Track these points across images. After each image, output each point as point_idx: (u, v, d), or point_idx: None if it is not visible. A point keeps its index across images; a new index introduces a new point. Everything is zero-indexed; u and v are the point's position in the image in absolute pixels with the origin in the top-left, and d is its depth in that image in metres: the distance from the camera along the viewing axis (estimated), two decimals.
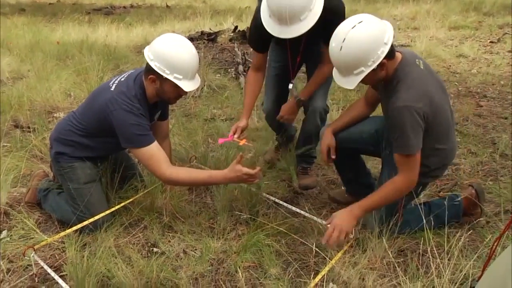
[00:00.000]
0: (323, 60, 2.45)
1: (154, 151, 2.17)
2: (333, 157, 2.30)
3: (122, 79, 2.25)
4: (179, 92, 2.20)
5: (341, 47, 1.82)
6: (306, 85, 2.61)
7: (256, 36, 2.51)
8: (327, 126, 2.41)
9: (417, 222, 2.18)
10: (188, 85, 2.16)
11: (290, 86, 2.60)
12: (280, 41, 2.35)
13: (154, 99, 2.27)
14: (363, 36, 1.81)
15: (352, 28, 1.81)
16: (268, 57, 2.67)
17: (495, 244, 1.13)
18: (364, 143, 2.34)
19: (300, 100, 2.57)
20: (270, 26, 2.20)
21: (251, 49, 2.68)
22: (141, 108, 2.16)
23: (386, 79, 1.98)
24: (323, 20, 2.13)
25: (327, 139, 2.31)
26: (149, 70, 2.15)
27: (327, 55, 2.00)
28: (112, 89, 2.18)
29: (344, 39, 1.81)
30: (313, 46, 2.49)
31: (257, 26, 2.36)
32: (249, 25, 2.81)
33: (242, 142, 2.50)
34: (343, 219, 1.99)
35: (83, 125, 2.30)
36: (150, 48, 2.15)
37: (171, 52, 2.11)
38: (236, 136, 2.49)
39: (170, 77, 2.10)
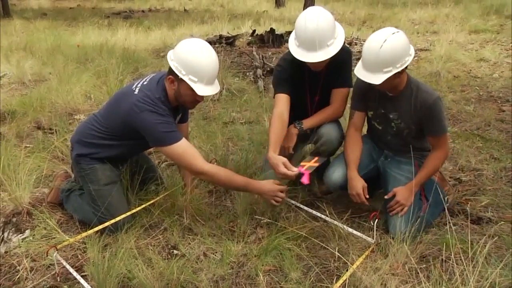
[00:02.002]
0: (333, 101, 2.61)
1: (185, 147, 2.21)
2: (367, 196, 2.38)
3: (145, 82, 2.27)
4: (195, 97, 2.21)
5: (382, 45, 2.12)
6: (312, 117, 2.61)
7: (285, 75, 2.59)
8: (348, 170, 2.44)
9: (432, 215, 2.43)
10: (203, 89, 2.17)
11: (297, 123, 2.57)
12: (299, 81, 2.56)
13: (175, 103, 2.29)
14: (399, 42, 2.15)
15: (392, 34, 2.15)
16: None
17: None
18: (372, 166, 2.60)
19: (302, 129, 2.56)
20: (299, 54, 2.37)
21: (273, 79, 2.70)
22: (166, 109, 2.20)
23: (400, 88, 2.32)
24: (337, 60, 2.43)
25: (359, 182, 2.38)
26: (169, 70, 2.19)
27: (339, 95, 2.55)
28: (135, 92, 2.21)
29: (385, 40, 2.12)
30: (328, 86, 2.60)
31: (285, 65, 2.59)
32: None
33: (315, 162, 2.43)
34: (404, 195, 2.30)
35: (106, 128, 2.32)
36: (174, 50, 2.21)
37: (190, 53, 2.14)
38: (294, 169, 2.28)
39: (185, 78, 2.13)
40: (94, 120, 2.40)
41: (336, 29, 2.40)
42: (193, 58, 2.13)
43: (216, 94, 4.79)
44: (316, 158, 2.45)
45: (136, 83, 2.29)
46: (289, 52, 2.46)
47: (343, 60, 2.53)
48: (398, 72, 2.16)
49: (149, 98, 2.16)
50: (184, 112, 2.53)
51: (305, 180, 2.29)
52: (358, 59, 2.37)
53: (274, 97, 2.60)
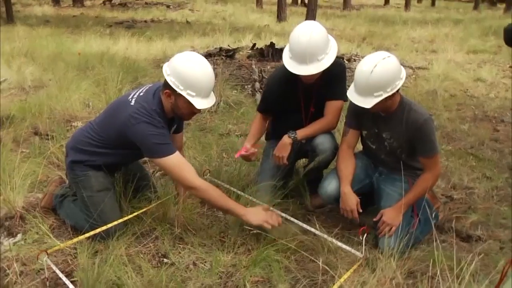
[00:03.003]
0: (327, 113, 2.66)
1: (178, 160, 2.23)
2: (360, 211, 2.40)
3: (141, 93, 2.30)
4: (193, 109, 2.25)
5: (372, 71, 2.15)
6: (305, 128, 2.65)
7: (273, 96, 2.73)
8: (341, 185, 2.46)
9: (422, 231, 2.45)
10: (201, 103, 2.20)
11: (291, 133, 2.60)
12: (293, 92, 2.64)
13: (171, 114, 2.33)
14: (390, 67, 2.18)
15: (383, 59, 2.18)
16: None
17: (507, 267, 1.12)
18: (367, 181, 2.62)
19: (296, 138, 2.59)
20: (291, 66, 2.45)
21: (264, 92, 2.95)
22: (161, 121, 2.23)
23: (393, 109, 2.35)
24: (331, 74, 2.52)
25: (353, 198, 2.40)
26: (165, 84, 2.22)
27: (332, 107, 2.61)
28: (132, 103, 2.24)
29: (376, 65, 2.16)
30: (322, 98, 2.65)
31: (272, 84, 2.78)
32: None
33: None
34: (390, 216, 2.33)
35: (102, 137, 2.35)
36: (169, 64, 2.23)
37: (186, 69, 2.17)
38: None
39: (183, 93, 2.16)
40: (90, 128, 2.43)
41: (329, 44, 2.46)
42: (191, 73, 2.16)
43: (213, 106, 4.86)
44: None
45: (133, 94, 2.32)
46: (278, 68, 2.56)
47: (337, 74, 2.60)
48: (390, 95, 2.21)
49: (145, 109, 2.19)
50: (179, 122, 2.56)
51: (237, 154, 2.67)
52: None
53: (269, 123, 2.82)
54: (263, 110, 2.79)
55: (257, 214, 2.26)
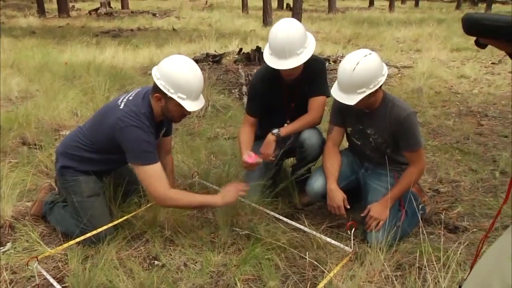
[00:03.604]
0: (310, 109, 2.70)
1: (157, 170, 2.23)
2: (348, 207, 2.43)
3: (130, 97, 2.32)
4: (183, 112, 2.27)
5: (355, 68, 2.19)
6: (289, 124, 2.69)
7: (258, 95, 2.74)
8: (328, 182, 2.49)
9: (410, 224, 2.48)
10: (191, 105, 2.23)
11: (275, 131, 2.63)
12: (276, 89, 2.68)
13: (160, 117, 2.34)
14: (372, 64, 2.22)
15: (365, 56, 2.22)
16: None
17: (481, 244, 1.16)
18: (353, 178, 2.67)
19: (279, 135, 2.63)
20: (271, 61, 2.50)
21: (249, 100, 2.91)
22: (150, 126, 2.24)
23: (376, 105, 2.39)
24: (312, 71, 2.60)
25: (339, 194, 2.43)
26: (155, 88, 2.23)
27: (315, 103, 2.65)
28: (121, 107, 2.26)
29: (358, 62, 2.19)
30: (304, 95, 2.70)
31: (256, 83, 2.77)
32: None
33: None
34: (377, 210, 2.36)
35: (91, 141, 2.36)
36: (158, 68, 2.25)
37: (177, 72, 2.19)
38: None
39: (174, 96, 2.18)
40: (80, 132, 2.44)
41: (307, 39, 2.51)
42: (181, 77, 2.18)
43: (201, 110, 4.89)
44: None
45: (122, 98, 2.34)
46: (261, 68, 2.60)
47: (318, 70, 2.66)
48: (373, 91, 2.25)
49: (134, 113, 2.21)
50: (168, 125, 2.58)
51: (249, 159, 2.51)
52: None
53: (244, 114, 2.79)
54: (252, 111, 2.80)
55: (229, 192, 2.31)
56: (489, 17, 0.84)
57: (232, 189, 2.33)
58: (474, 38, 0.90)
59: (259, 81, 2.73)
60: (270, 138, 2.62)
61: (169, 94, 2.18)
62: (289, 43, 2.41)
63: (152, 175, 2.22)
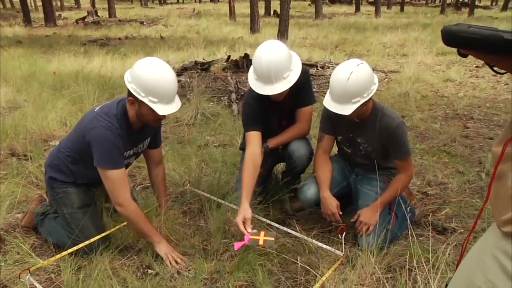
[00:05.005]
0: (298, 119, 2.70)
1: (121, 176, 2.22)
2: (341, 213, 2.47)
3: (107, 102, 2.33)
4: (157, 116, 2.20)
5: (349, 78, 2.20)
6: (278, 136, 2.69)
7: (253, 111, 2.63)
8: (320, 190, 2.52)
9: (400, 227, 2.52)
10: (163, 109, 2.17)
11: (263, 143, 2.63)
12: (266, 110, 2.61)
13: (137, 123, 2.30)
14: (364, 73, 2.24)
15: (357, 66, 2.23)
16: None
17: (465, 243, 1.20)
18: (345, 183, 2.70)
19: (267, 147, 2.64)
20: (258, 87, 2.44)
21: (246, 117, 2.69)
22: (119, 128, 2.21)
23: (367, 114, 2.42)
24: (297, 84, 2.45)
25: (333, 202, 2.47)
26: (128, 92, 2.20)
27: (303, 114, 2.66)
28: (95, 110, 2.27)
29: (352, 72, 2.20)
30: (293, 109, 2.70)
31: (251, 102, 2.63)
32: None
33: (263, 240, 2.21)
34: (367, 215, 2.41)
35: (69, 148, 2.36)
36: (130, 71, 2.21)
37: (147, 75, 2.13)
38: (249, 230, 2.25)
39: (145, 100, 2.13)
40: (64, 143, 2.44)
41: (293, 60, 2.45)
42: (151, 79, 2.12)
43: (191, 118, 4.90)
44: (264, 240, 2.22)
45: (100, 105, 2.35)
46: (250, 88, 2.53)
47: (302, 81, 2.54)
48: (368, 100, 2.26)
49: (105, 114, 2.20)
50: (154, 136, 2.55)
51: (237, 245, 2.20)
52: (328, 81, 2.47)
53: (244, 135, 2.65)
54: (251, 125, 2.61)
55: (167, 247, 2.33)
56: (465, 30, 0.88)
57: (169, 249, 2.33)
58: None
59: (252, 100, 2.63)
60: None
61: (140, 98, 2.13)
62: (275, 68, 2.34)
63: (115, 180, 2.21)
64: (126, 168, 2.38)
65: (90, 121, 2.21)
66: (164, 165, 2.76)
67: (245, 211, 2.28)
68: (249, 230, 2.24)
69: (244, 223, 2.25)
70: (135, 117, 2.27)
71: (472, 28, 0.88)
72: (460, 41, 0.90)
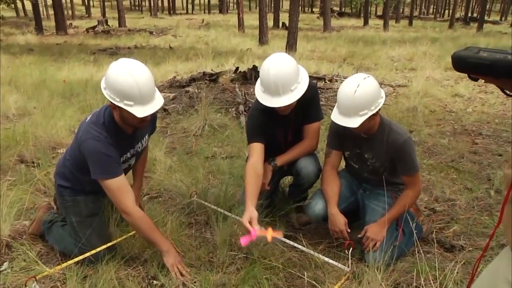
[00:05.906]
0: (306, 136, 2.70)
1: (119, 184, 2.21)
2: (349, 231, 2.46)
3: (97, 109, 2.33)
4: (139, 118, 2.12)
5: (356, 90, 2.21)
6: (286, 153, 2.69)
7: (258, 123, 2.62)
8: (328, 206, 2.52)
9: (407, 244, 2.50)
10: (142, 111, 2.09)
11: (271, 160, 2.64)
12: (271, 124, 2.61)
13: (126, 127, 2.28)
14: (371, 86, 2.25)
15: (364, 79, 2.25)
16: None
17: (477, 264, 1.19)
18: (353, 199, 2.69)
19: (275, 165, 2.65)
20: (265, 99, 2.43)
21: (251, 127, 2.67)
22: (108, 136, 2.19)
23: (374, 129, 2.42)
24: (304, 99, 2.46)
25: (341, 219, 2.46)
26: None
27: (311, 130, 2.66)
28: (86, 120, 2.27)
29: (359, 85, 2.21)
30: (300, 124, 2.69)
31: (256, 114, 2.62)
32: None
33: (270, 237, 2.20)
34: (374, 231, 2.40)
35: (71, 157, 2.38)
36: (105, 76, 2.15)
37: (117, 79, 2.06)
38: (257, 228, 2.22)
39: (121, 105, 2.07)
40: (68, 151, 2.46)
41: (300, 73, 2.45)
42: (122, 83, 2.04)
43: (199, 129, 4.92)
44: (272, 234, 2.21)
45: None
46: (256, 100, 2.53)
47: (310, 97, 2.55)
48: (373, 114, 2.26)
49: (94, 124, 2.20)
50: (151, 128, 2.56)
51: (244, 241, 2.16)
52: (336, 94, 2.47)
53: (248, 146, 2.63)
54: (255, 137, 2.59)
55: (175, 257, 2.28)
56: (474, 55, 0.89)
57: (177, 259, 2.29)
58: None
59: (257, 112, 2.63)
60: (267, 168, 2.62)
61: (115, 103, 2.08)
62: (282, 80, 2.34)
63: (114, 189, 2.20)
64: (128, 170, 2.37)
65: (83, 133, 2.21)
66: (146, 158, 2.77)
67: (251, 212, 2.27)
68: (256, 227, 2.22)
69: (250, 222, 2.22)
70: (121, 121, 2.24)
71: (482, 52, 0.89)
72: (469, 66, 0.91)
